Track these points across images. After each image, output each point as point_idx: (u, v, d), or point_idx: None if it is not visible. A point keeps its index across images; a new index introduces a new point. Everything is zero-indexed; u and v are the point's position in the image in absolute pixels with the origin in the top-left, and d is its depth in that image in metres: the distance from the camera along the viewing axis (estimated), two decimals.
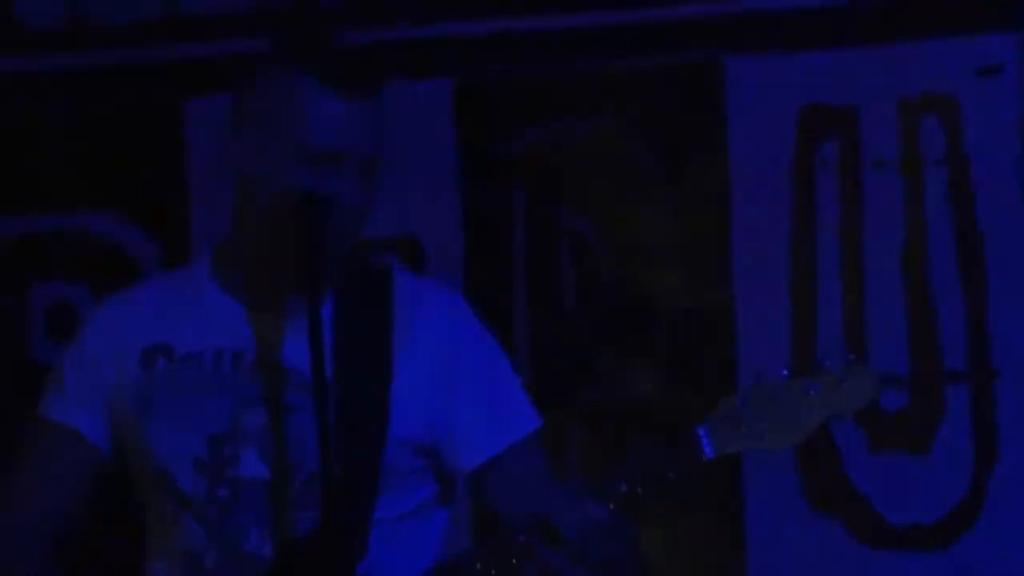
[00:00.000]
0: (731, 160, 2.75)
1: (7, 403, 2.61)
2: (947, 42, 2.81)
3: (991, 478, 2.75)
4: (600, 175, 2.90)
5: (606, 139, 2.91)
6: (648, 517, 2.26)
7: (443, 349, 2.13)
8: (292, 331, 2.04)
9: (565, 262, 2.93)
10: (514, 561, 1.99)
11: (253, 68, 2.07)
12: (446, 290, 2.32)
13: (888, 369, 2.77)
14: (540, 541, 1.97)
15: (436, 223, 2.93)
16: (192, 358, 2.13)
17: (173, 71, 3.01)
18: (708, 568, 2.92)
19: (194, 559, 2.14)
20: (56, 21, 3.13)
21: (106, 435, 2.17)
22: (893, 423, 2.79)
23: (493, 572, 2.00)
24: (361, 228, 2.05)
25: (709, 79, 2.81)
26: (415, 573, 2.05)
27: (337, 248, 1.96)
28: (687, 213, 2.79)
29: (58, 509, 2.25)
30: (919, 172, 2.70)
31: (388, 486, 2.04)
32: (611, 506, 1.99)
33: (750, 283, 2.86)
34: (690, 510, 2.79)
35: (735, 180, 2.78)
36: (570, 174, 2.92)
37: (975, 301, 2.77)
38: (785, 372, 1.98)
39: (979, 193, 2.71)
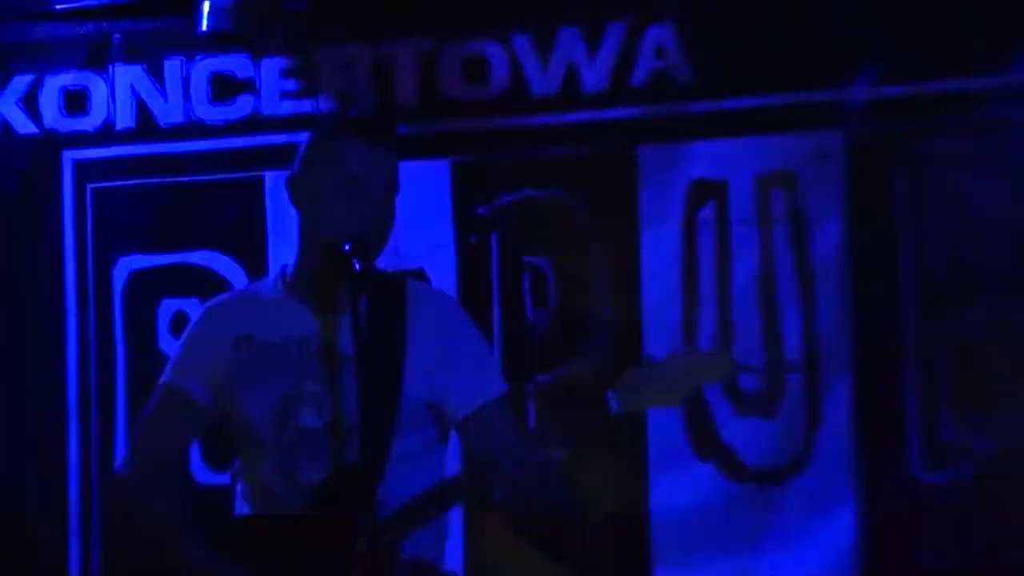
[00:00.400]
0: (641, 217, 2.94)
1: (145, 386, 2.52)
2: (793, 135, 2.90)
3: (817, 437, 2.88)
4: (552, 228, 3.03)
5: (557, 204, 2.98)
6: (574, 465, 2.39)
7: (441, 334, 2.11)
8: (342, 325, 2.02)
9: (527, 287, 3.05)
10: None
11: (309, 142, 2.12)
12: (442, 292, 2.38)
13: (748, 360, 2.88)
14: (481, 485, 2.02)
15: (438, 260, 3.01)
16: (270, 343, 2.08)
17: (259, 153, 3.11)
18: (621, 501, 2.97)
19: (267, 488, 2.09)
20: (181, 120, 3.23)
21: (207, 398, 2.12)
22: (751, 397, 2.93)
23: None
24: (384, 242, 2.06)
25: (626, 162, 2.96)
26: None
27: (368, 260, 1.99)
28: (609, 254, 2.97)
29: (173, 450, 2.19)
30: (770, 226, 2.89)
31: (402, 429, 2.01)
32: (549, 450, 1.99)
33: (653, 300, 2.99)
34: (606, 456, 2.88)
35: (644, 231, 2.97)
36: (532, 227, 3.02)
37: (808, 313, 2.90)
38: (671, 353, 2.02)
39: (811, 241, 2.87)
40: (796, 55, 2.78)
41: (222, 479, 2.83)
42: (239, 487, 2.13)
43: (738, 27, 2.82)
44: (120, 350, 3.16)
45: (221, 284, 3.07)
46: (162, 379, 2.13)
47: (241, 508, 2.10)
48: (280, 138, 2.94)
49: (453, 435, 2.10)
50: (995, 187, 2.58)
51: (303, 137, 2.11)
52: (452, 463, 2.12)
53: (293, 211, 2.07)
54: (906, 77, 2.73)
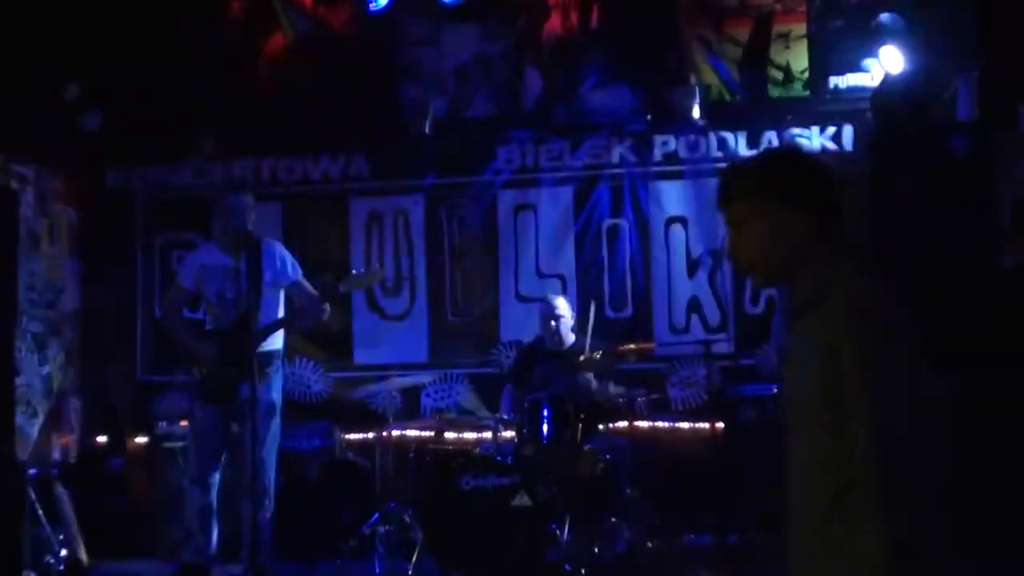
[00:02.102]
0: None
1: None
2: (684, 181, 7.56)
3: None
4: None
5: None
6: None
7: (274, 255, 6.09)
8: (240, 260, 6.12)
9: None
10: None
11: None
12: (273, 241, 6.68)
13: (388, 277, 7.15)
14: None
15: None
16: (213, 267, 6.27)
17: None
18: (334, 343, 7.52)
19: (215, 318, 6.27)
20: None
21: (192, 287, 6.19)
22: (391, 288, 7.51)
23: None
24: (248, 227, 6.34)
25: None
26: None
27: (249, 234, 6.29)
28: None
29: (178, 307, 6.45)
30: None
31: (264, 294, 5.86)
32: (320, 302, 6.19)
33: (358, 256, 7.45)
34: (335, 318, 6.99)
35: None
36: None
37: (411, 257, 7.38)
38: (357, 270, 6.44)
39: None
40: None
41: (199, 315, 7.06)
42: (206, 320, 6.37)
43: None
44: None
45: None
46: (176, 281, 6.31)
47: (207, 327, 6.33)
48: None
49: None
50: None
51: None
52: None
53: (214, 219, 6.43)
54: None
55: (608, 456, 6.18)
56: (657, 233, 7.80)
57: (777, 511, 5.99)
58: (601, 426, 6.60)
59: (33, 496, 5.99)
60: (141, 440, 7.48)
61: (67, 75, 7.68)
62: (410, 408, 7.73)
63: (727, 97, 7.95)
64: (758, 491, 5.83)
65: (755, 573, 5.79)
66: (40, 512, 6.02)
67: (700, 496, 6.58)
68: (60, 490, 6.27)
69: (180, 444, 6.86)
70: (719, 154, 7.70)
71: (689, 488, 6.83)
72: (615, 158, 7.84)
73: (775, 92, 7.92)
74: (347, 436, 7.54)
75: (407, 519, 6.18)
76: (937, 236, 5.57)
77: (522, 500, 5.75)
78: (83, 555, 6.24)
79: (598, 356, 6.35)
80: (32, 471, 6.14)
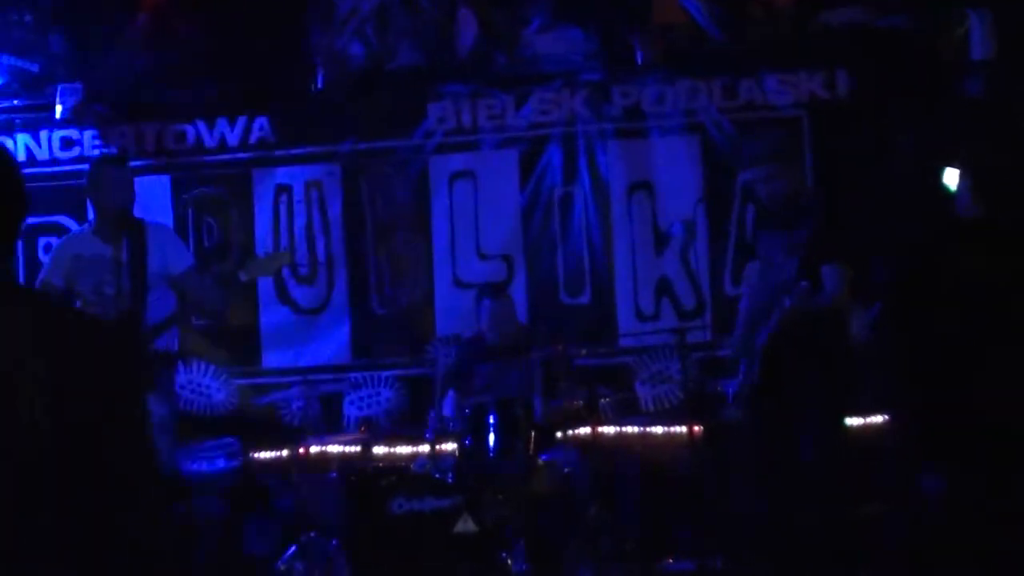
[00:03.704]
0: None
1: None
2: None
3: (332, 294, 7.53)
4: None
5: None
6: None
7: (163, 241, 6.11)
8: (122, 248, 6.14)
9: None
10: None
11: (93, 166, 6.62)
12: (162, 224, 6.71)
13: (301, 263, 7.08)
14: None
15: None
16: (88, 257, 6.11)
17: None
18: (242, 320, 7.67)
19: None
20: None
21: (63, 284, 6.12)
22: (305, 278, 7.83)
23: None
24: (132, 205, 6.32)
25: None
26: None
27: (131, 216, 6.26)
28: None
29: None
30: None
31: (151, 288, 5.97)
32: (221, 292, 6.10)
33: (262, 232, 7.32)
34: (242, 306, 7.00)
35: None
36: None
37: (327, 245, 7.48)
38: (265, 252, 6.39)
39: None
40: None
41: None
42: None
43: None
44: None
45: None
46: (41, 277, 6.21)
47: None
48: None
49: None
50: None
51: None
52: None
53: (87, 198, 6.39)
54: None
55: (567, 470, 6.22)
56: (619, 202, 7.80)
57: (769, 527, 6.10)
58: (558, 434, 6.61)
59: None
60: None
61: None
62: (331, 419, 7.70)
63: (698, 39, 7.93)
64: (746, 504, 5.92)
65: None
66: None
67: (678, 513, 6.63)
68: None
69: None
70: (690, 107, 7.74)
71: (665, 504, 6.88)
72: (567, 114, 7.84)
73: (755, 32, 7.93)
74: (256, 455, 7.52)
75: (330, 552, 6.14)
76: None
77: (466, 525, 5.77)
78: None
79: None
80: None
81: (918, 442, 4.64)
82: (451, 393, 6.91)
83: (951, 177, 4.98)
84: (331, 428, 7.57)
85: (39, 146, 8.07)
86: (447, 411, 6.85)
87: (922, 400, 4.48)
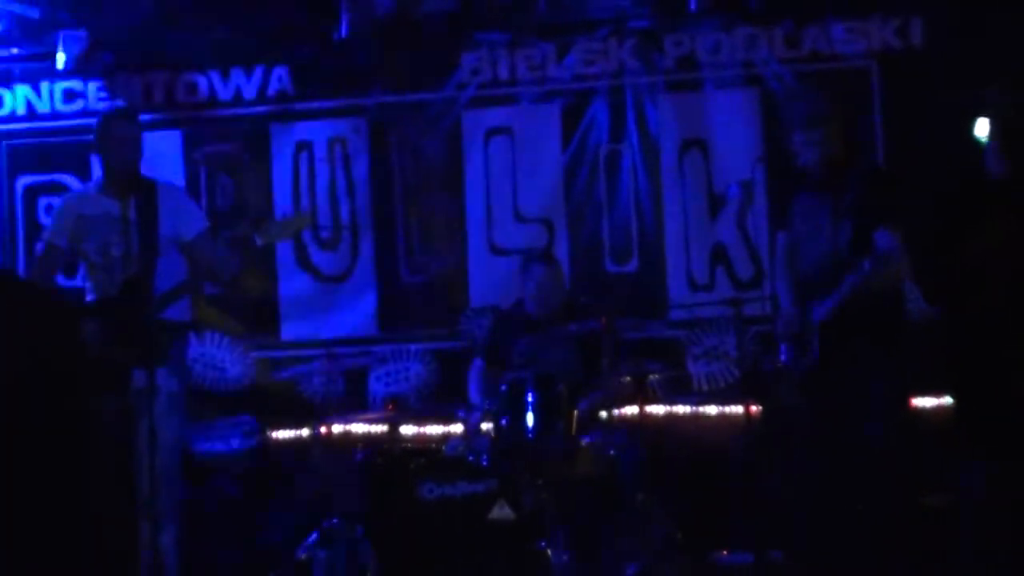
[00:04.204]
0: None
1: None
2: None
3: (358, 258, 7.78)
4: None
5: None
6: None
7: (175, 204, 6.06)
8: (130, 206, 5.89)
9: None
10: None
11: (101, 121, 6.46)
12: (174, 184, 6.80)
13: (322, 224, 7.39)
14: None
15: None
16: (94, 216, 6.02)
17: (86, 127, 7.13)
18: (261, 288, 7.97)
19: (98, 284, 5.99)
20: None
21: (69, 246, 6.09)
22: (327, 241, 7.91)
23: None
24: (139, 162, 6.21)
25: None
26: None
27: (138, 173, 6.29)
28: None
29: (50, 272, 6.19)
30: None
31: (161, 252, 5.87)
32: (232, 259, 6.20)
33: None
34: (256, 270, 7.39)
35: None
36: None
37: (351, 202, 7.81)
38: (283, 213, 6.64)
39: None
40: None
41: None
42: (86, 286, 6.28)
43: None
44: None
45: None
46: (43, 238, 6.28)
47: (89, 296, 6.21)
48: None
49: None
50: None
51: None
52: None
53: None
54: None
55: (612, 452, 6.16)
56: (670, 162, 7.74)
57: (833, 517, 6.03)
58: (603, 414, 6.59)
59: None
60: None
61: None
62: (356, 396, 7.69)
63: None
64: (807, 493, 5.85)
65: None
66: None
67: (734, 501, 6.61)
68: None
69: None
70: (748, 57, 7.66)
71: (719, 491, 6.83)
72: (614, 65, 7.78)
73: None
74: (274, 434, 7.51)
75: (354, 540, 6.12)
76: None
77: (502, 512, 5.72)
78: None
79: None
80: None
81: (957, 428, 4.64)
82: (482, 367, 6.96)
83: (982, 128, 4.85)
84: (355, 406, 7.57)
85: (39, 98, 8.06)
86: (473, 395, 6.82)
87: (959, 382, 4.51)
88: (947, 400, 6.35)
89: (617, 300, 7.47)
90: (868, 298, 5.47)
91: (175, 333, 5.91)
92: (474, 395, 6.79)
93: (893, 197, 5.70)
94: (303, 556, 6.17)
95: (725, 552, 6.70)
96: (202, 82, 8.00)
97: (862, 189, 5.66)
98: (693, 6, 7.63)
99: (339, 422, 7.11)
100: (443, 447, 6.49)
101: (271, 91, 7.99)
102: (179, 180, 7.63)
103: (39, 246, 6.33)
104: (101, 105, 7.90)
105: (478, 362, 6.95)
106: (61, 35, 7.78)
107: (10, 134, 8.15)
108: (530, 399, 6.10)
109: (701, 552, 6.64)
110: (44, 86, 8.04)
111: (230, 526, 6.83)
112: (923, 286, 5.09)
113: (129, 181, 5.92)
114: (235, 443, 7.18)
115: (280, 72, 7.97)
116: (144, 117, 6.98)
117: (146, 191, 5.93)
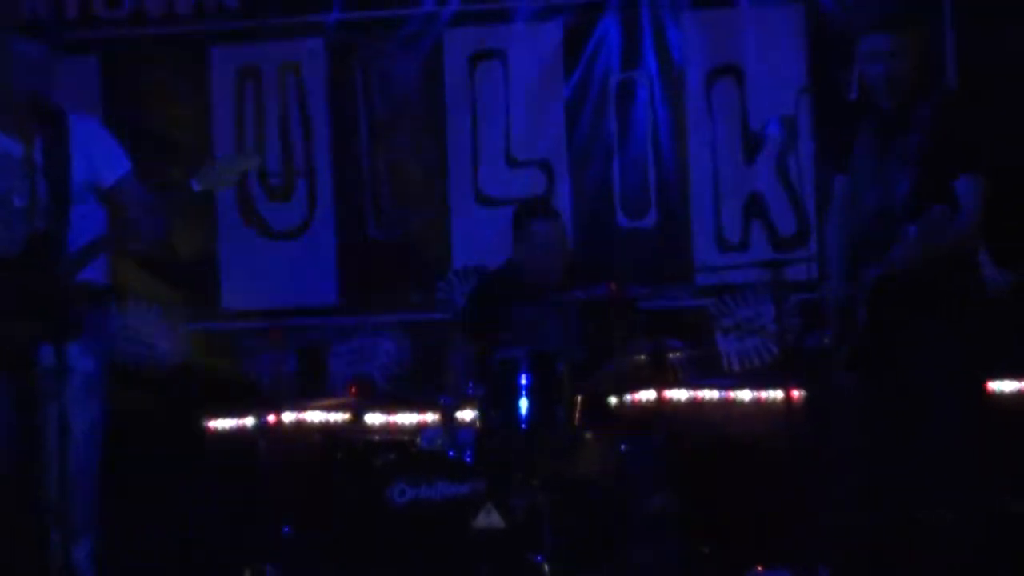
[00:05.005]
0: None
1: None
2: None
3: (314, 212, 7.96)
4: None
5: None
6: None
7: (91, 141, 5.83)
8: (35, 147, 5.70)
9: None
10: None
11: None
12: (88, 116, 6.35)
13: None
14: None
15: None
16: None
17: None
18: (198, 248, 7.94)
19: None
20: None
21: None
22: (276, 189, 7.98)
23: None
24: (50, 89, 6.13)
25: None
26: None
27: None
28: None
29: None
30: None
31: (75, 201, 5.68)
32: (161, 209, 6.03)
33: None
34: (193, 221, 7.05)
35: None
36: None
37: (307, 142, 7.75)
38: (225, 152, 6.65)
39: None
40: None
41: None
42: None
43: None
44: None
45: None
46: None
47: None
48: None
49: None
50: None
51: None
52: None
53: None
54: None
55: (624, 447, 6.15)
56: (696, 93, 7.72)
57: (891, 526, 5.96)
58: (613, 400, 6.56)
59: None
60: None
61: None
62: (312, 377, 7.71)
63: None
64: (860, 496, 5.83)
65: None
66: None
67: (771, 505, 6.59)
68: None
69: None
70: None
71: (753, 493, 6.84)
72: None
73: None
74: (213, 424, 7.53)
75: (310, 551, 6.10)
76: None
77: (489, 519, 5.72)
78: None
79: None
80: None
81: None
82: (460, 351, 6.87)
83: None
84: (311, 390, 7.58)
85: None
86: (454, 377, 6.76)
87: None
88: None
89: (630, 261, 7.48)
90: (940, 262, 5.39)
91: (91, 301, 5.83)
92: (456, 377, 6.76)
93: (976, 137, 5.58)
94: (247, 573, 6.18)
95: (761, 568, 6.66)
96: None
97: (936, 125, 5.55)
98: None
99: (291, 409, 7.14)
100: (418, 440, 6.49)
101: (209, 5, 7.96)
102: (97, 113, 7.51)
103: None
104: None
105: (461, 337, 6.93)
106: None
107: None
108: (524, 382, 6.09)
109: (730, 567, 6.63)
110: None
111: (158, 536, 6.83)
112: (1000, 246, 5.05)
113: (33, 114, 5.84)
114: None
115: None
116: (53, 36, 6.92)
117: (56, 127, 5.83)
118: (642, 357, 6.62)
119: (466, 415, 6.58)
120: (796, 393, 6.41)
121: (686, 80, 7.72)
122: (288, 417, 7.08)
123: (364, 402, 7.15)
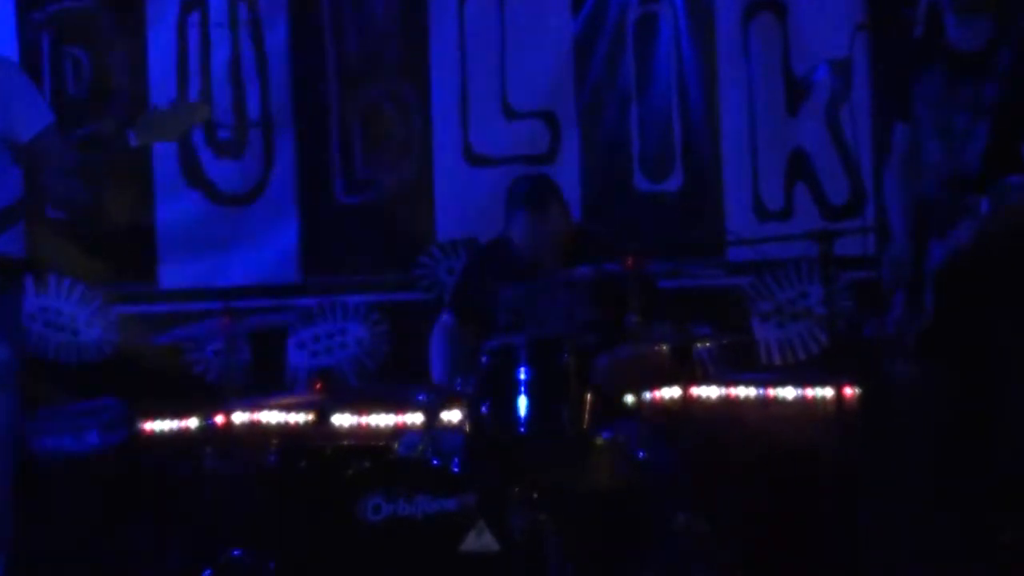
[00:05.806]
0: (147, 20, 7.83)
1: None
2: None
3: (271, 175, 8.12)
4: (87, 29, 8.12)
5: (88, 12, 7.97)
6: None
7: (4, 90, 5.93)
8: None
9: (69, 70, 8.10)
10: None
11: None
12: (6, 58, 6.59)
13: (223, 119, 7.30)
14: None
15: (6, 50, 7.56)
16: None
17: None
18: (134, 215, 7.99)
19: None
20: None
21: None
22: (225, 144, 8.19)
23: None
24: None
25: None
26: None
27: None
28: (125, 47, 8.15)
29: None
30: (237, 27, 8.00)
31: None
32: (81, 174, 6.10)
33: (157, 76, 8.03)
34: (124, 180, 7.14)
35: (149, 30, 8.10)
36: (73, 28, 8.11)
37: (264, 89, 8.08)
38: (171, 101, 6.34)
39: (265, 38, 8.07)
40: None
41: None
42: None
43: None
44: None
45: None
46: None
47: None
48: None
49: None
50: None
51: None
52: None
53: None
54: None
55: (642, 454, 6.15)
56: (730, 32, 7.78)
57: (960, 545, 5.88)
58: (629, 397, 6.60)
59: None
60: None
61: None
62: (268, 370, 7.78)
63: None
64: (924, 510, 5.84)
65: None
66: None
67: (818, 522, 6.63)
68: None
69: None
70: None
71: (797, 508, 6.86)
72: None
73: None
74: (149, 425, 7.55)
75: None
76: None
77: (481, 540, 5.72)
78: None
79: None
80: None
81: None
82: (445, 338, 6.89)
83: None
84: (268, 385, 7.63)
85: None
86: (438, 370, 6.80)
87: None
88: None
89: (650, 232, 7.54)
90: (1017, 238, 5.45)
91: (4, 276, 5.88)
92: (440, 370, 6.77)
93: None
94: None
95: None
96: None
97: (1017, 73, 5.61)
98: None
99: (244, 408, 7.17)
100: (395, 446, 6.48)
101: None
102: (13, 55, 7.56)
103: None
104: None
105: (447, 321, 6.93)
106: None
107: None
108: (523, 376, 6.10)
109: None
110: None
111: (85, 555, 6.88)
112: None
113: None
114: (92, 438, 7.26)
115: None
116: None
117: None
118: (664, 347, 6.54)
119: (453, 416, 6.59)
120: (849, 391, 6.55)
121: (717, 15, 7.76)
122: (239, 418, 7.15)
123: (331, 400, 7.14)
